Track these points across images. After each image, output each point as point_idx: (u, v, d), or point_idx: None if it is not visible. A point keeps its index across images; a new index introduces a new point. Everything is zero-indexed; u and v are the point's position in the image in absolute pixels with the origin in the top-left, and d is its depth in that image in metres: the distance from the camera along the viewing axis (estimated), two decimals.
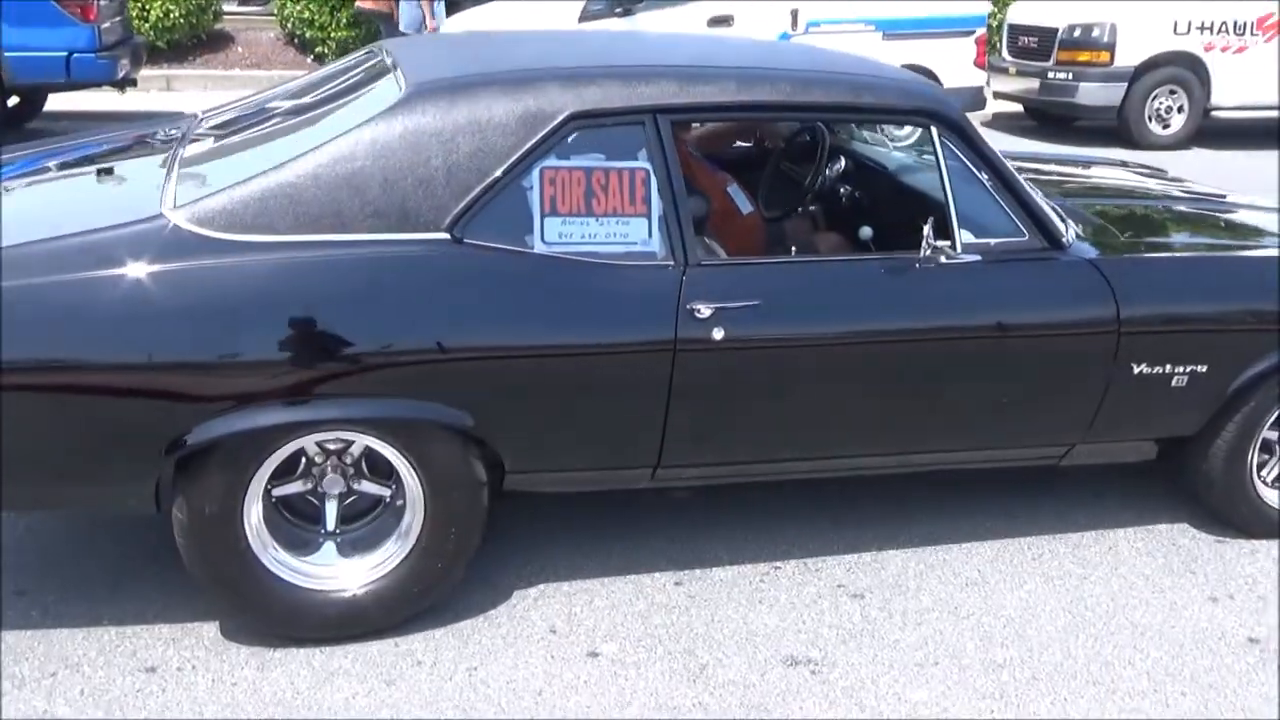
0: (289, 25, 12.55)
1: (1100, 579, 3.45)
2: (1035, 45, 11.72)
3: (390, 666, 2.92)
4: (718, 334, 2.93)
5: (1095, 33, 11.09)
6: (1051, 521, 3.76)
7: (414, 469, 2.89)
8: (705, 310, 2.93)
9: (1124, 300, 3.24)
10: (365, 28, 12.19)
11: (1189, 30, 10.97)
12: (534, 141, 2.87)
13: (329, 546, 3.00)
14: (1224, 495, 3.63)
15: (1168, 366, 3.34)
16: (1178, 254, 3.58)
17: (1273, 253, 3.62)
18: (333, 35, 12.26)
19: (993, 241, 3.20)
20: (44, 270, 2.64)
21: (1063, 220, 3.36)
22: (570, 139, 2.92)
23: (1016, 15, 12.23)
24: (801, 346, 3.05)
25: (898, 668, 3.00)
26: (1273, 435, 3.62)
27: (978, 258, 3.17)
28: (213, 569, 2.85)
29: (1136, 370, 3.31)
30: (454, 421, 2.84)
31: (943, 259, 3.11)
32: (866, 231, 3.69)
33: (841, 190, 3.99)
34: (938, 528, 3.67)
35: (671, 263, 2.96)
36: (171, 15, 11.69)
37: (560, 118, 2.89)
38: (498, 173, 2.85)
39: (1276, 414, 3.55)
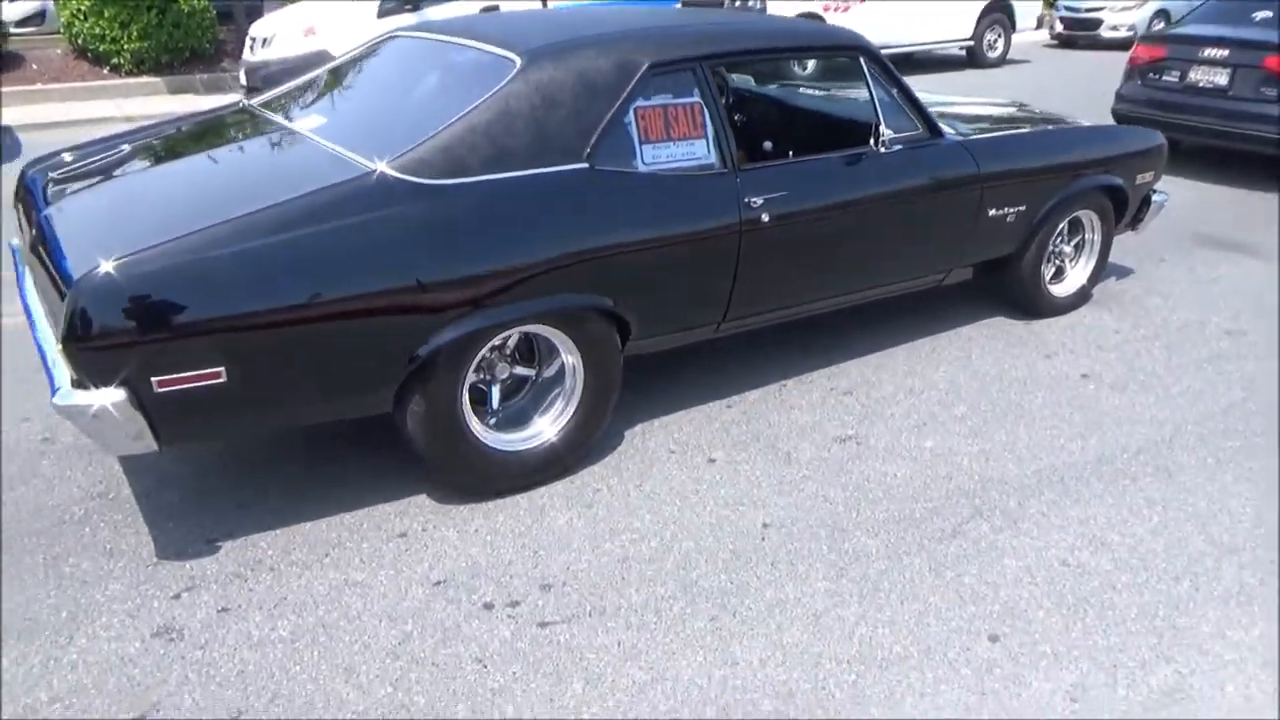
0: (79, 41, 10.97)
1: (979, 356, 4.06)
2: None
3: (579, 495, 3.04)
4: (765, 217, 3.20)
5: None
6: (921, 327, 4.32)
7: (575, 346, 2.98)
8: (757, 201, 3.18)
9: (982, 165, 3.80)
10: (156, 39, 10.91)
11: None
12: (630, 87, 2.98)
13: (494, 421, 3.04)
14: (1028, 293, 4.33)
15: (1005, 208, 3.94)
16: (1008, 133, 4.15)
17: (1056, 127, 4.31)
18: (126, 47, 10.86)
19: (903, 135, 3.63)
20: (289, 226, 2.49)
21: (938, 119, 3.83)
22: (650, 83, 3.04)
23: None
24: (813, 219, 3.36)
25: (906, 430, 3.46)
26: (1052, 249, 4.35)
27: (899, 147, 3.60)
28: (444, 447, 2.84)
29: (990, 213, 3.90)
30: (601, 305, 2.96)
31: (881, 150, 3.52)
32: (767, 145, 4.03)
33: (735, 117, 4.31)
34: (864, 344, 4.14)
35: (726, 170, 3.18)
36: None
37: (644, 67, 3.01)
38: (611, 113, 2.94)
39: (1058, 233, 4.28)
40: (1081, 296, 4.53)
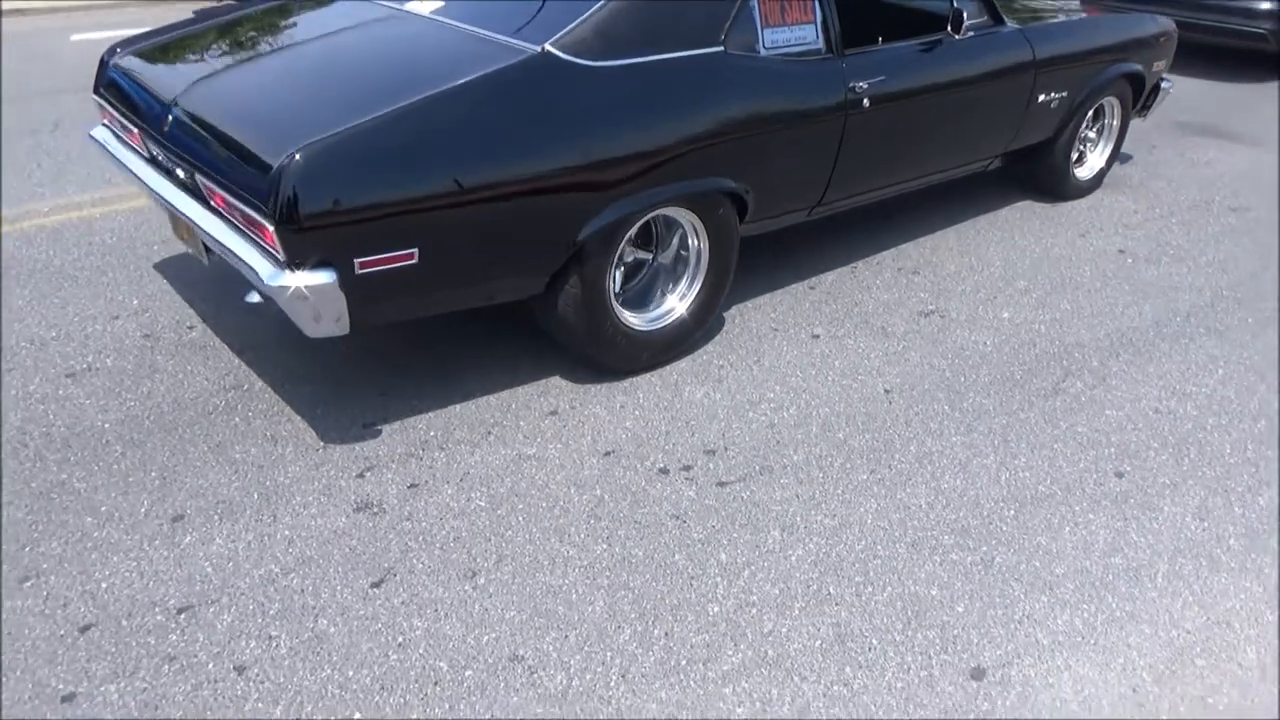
0: None
1: (1021, 236, 4.36)
2: None
3: (706, 372, 3.22)
4: (866, 102, 3.36)
5: None
6: (961, 212, 4.59)
7: (703, 226, 3.12)
8: (861, 85, 3.33)
9: (1037, 50, 4.02)
10: None
11: None
12: None
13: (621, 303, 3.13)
14: (1056, 177, 4.63)
15: (1051, 94, 4.19)
16: (1052, 21, 4.36)
17: (1089, 16, 4.54)
18: None
19: (974, 22, 3.81)
20: (472, 106, 2.53)
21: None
22: None
23: None
24: (904, 103, 3.52)
25: (981, 302, 3.74)
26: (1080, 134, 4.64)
27: (972, 33, 3.78)
28: (593, 328, 2.95)
29: (1040, 98, 4.14)
30: (729, 188, 3.08)
31: (956, 37, 3.69)
32: (858, 31, 4.11)
33: None
34: (915, 228, 4.39)
35: (832, 55, 3.30)
36: None
37: None
38: None
39: (1086, 119, 4.57)
40: (1099, 180, 4.86)
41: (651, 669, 2.11)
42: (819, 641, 2.19)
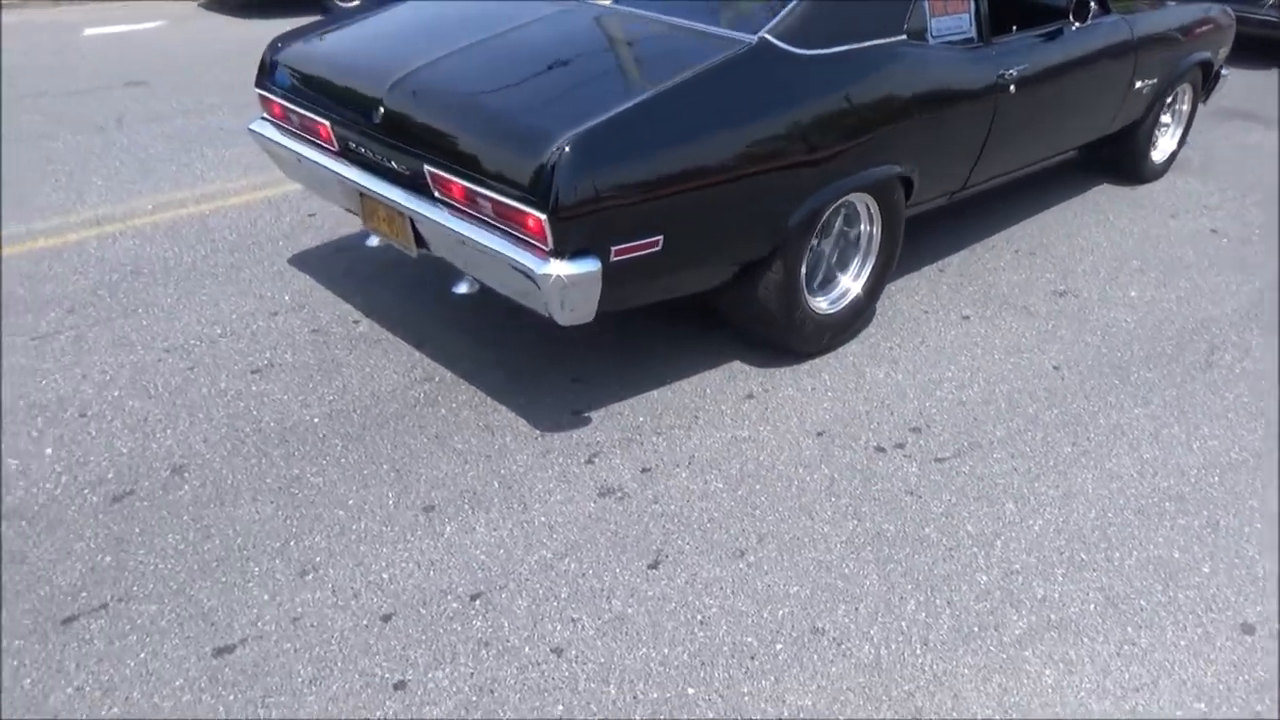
0: None
1: (1116, 218, 4.53)
2: None
3: (879, 353, 3.31)
4: (1012, 87, 3.47)
5: None
6: (1051, 196, 4.74)
7: (878, 210, 3.20)
8: (1009, 73, 3.44)
9: (1136, 35, 4.19)
10: None
11: None
12: None
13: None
14: (1137, 160, 4.82)
15: (1144, 79, 4.36)
16: (1150, 11, 4.52)
17: (1170, 5, 4.73)
18: None
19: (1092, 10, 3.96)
20: (709, 96, 2.58)
21: None
22: None
23: None
24: (1039, 88, 3.64)
25: (1105, 282, 3.89)
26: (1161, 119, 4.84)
27: (1090, 21, 3.92)
28: (787, 312, 3.01)
29: (1136, 84, 4.31)
30: (904, 172, 3.16)
31: (1077, 25, 3.82)
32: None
33: None
34: (1021, 211, 4.53)
35: (983, 43, 3.41)
36: None
37: None
38: None
39: (1166, 103, 4.76)
40: (1169, 162, 5.06)
41: (948, 636, 2.19)
42: (1092, 605, 2.30)
